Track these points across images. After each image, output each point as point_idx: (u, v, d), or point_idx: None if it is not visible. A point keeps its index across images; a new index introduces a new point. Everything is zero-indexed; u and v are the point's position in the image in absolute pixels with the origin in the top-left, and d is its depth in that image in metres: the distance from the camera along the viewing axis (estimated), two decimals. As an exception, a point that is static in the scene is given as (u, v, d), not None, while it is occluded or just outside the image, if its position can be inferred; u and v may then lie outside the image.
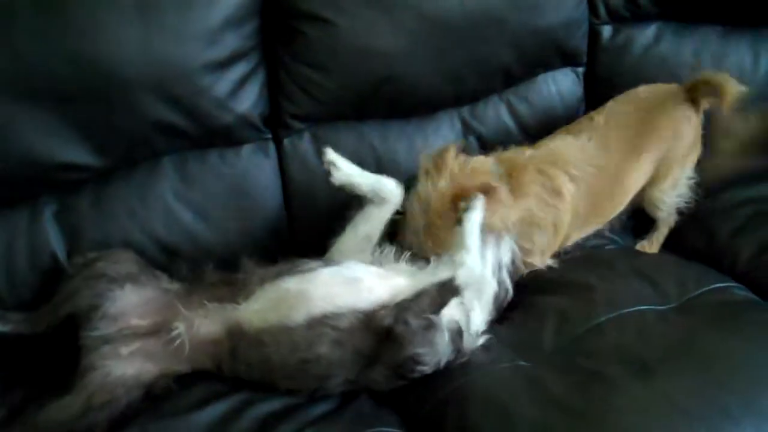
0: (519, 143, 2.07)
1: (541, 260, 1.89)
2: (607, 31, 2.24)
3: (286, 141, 1.92)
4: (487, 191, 1.69)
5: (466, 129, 2.08)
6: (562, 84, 2.19)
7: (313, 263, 1.65)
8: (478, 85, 2.03)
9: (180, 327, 1.57)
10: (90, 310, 1.58)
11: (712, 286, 1.77)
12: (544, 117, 2.17)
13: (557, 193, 1.84)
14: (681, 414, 1.42)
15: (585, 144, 1.91)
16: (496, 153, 1.90)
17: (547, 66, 2.13)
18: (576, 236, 1.97)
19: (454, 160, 1.77)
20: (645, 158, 1.96)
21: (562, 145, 1.93)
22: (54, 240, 1.73)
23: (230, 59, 1.74)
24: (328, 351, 1.53)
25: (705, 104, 2.02)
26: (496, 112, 2.11)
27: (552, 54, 2.12)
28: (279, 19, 1.81)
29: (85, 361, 1.54)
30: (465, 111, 2.08)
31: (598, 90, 2.23)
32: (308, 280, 1.60)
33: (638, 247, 2.07)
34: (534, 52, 2.05)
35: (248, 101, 1.80)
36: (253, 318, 1.57)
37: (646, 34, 2.24)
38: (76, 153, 1.67)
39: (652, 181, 2.01)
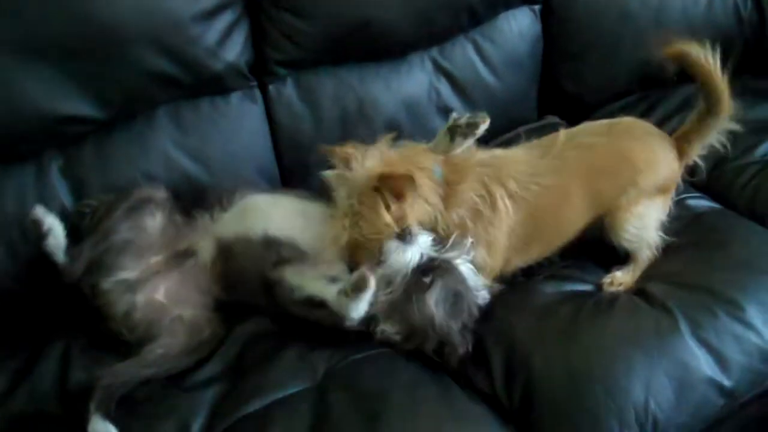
0: (486, 81, 2.24)
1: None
2: (560, -35, 2.32)
3: (271, 87, 2.02)
4: (405, 183, 1.58)
5: (437, 68, 2.19)
6: (522, 22, 2.29)
7: None
8: (446, 26, 2.15)
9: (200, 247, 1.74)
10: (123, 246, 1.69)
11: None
12: (508, 55, 2.28)
13: (493, 208, 1.68)
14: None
15: (535, 160, 1.73)
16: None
17: (507, 4, 2.25)
18: (517, 261, 1.78)
19: (388, 148, 1.68)
20: (604, 184, 1.75)
21: (510, 156, 1.76)
22: (62, 192, 1.81)
23: (216, 9, 1.83)
24: None
25: (693, 155, 1.85)
26: (463, 52, 2.22)
27: (510, -9, 2.24)
28: (258, -32, 1.90)
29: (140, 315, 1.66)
30: (434, 51, 2.19)
31: (555, 28, 2.35)
32: (274, 201, 1.78)
33: (608, 278, 1.80)
34: (494, -11, 2.17)
35: (235, 49, 1.89)
36: (225, 228, 1.73)
37: (598, -31, 2.34)
38: (77, 106, 1.75)
39: (612, 210, 1.76)
